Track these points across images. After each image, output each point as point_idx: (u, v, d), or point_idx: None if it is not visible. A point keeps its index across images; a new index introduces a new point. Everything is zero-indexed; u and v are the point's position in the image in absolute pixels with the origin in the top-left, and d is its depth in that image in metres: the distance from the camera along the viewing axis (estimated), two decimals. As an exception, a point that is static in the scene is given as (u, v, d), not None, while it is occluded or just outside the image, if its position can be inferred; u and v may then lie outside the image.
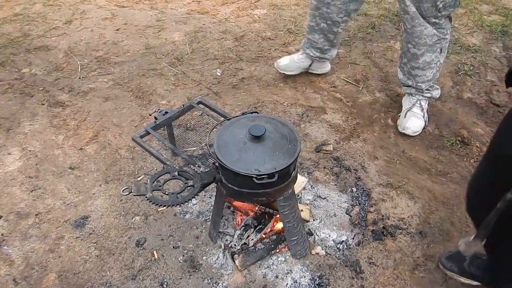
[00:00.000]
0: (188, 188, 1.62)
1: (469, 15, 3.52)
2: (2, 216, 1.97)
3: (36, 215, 1.98)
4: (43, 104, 2.64)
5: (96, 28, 3.35)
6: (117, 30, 3.34)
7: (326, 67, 2.80)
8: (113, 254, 1.81)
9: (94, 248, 1.84)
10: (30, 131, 2.44)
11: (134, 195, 1.57)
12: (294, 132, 1.57)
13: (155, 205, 1.55)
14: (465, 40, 3.18)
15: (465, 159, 2.23)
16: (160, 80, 2.84)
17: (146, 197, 1.57)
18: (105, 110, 2.59)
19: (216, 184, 1.72)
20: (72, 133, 2.43)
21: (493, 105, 2.56)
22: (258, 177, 1.42)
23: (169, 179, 1.65)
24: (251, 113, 1.71)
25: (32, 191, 2.09)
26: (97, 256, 1.81)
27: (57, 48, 3.12)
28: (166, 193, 1.58)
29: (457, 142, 2.31)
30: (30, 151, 2.31)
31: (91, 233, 1.90)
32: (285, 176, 1.53)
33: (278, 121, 1.62)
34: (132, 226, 1.92)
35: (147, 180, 1.69)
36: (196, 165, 2.13)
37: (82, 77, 2.86)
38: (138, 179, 2.15)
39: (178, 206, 1.72)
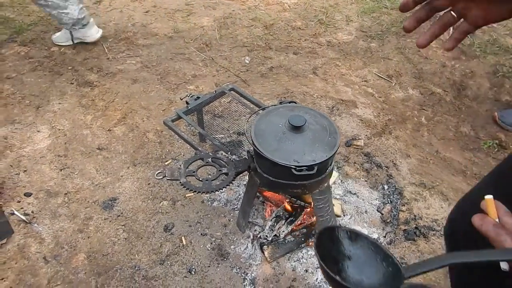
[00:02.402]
0: (222, 175, 1.60)
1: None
2: (32, 194, 1.97)
3: (65, 194, 1.98)
4: (72, 84, 2.63)
5: (125, 9, 3.33)
6: (146, 12, 3.31)
7: None
8: (141, 238, 1.81)
9: (122, 231, 1.83)
10: (59, 109, 2.44)
11: (168, 179, 1.55)
12: (333, 124, 1.53)
13: (189, 190, 1.53)
14: (504, 41, 3.09)
15: (500, 162, 2.16)
16: (188, 64, 2.81)
17: (180, 182, 1.55)
18: (133, 92, 2.57)
19: (248, 173, 1.69)
20: (101, 114, 2.42)
21: (531, 108, 2.49)
22: (297, 168, 1.39)
23: (203, 165, 1.63)
24: (289, 102, 1.68)
25: (61, 170, 2.09)
26: (126, 239, 1.80)
27: (86, 28, 3.11)
28: (200, 179, 1.56)
29: (494, 145, 2.25)
30: (59, 129, 2.31)
31: (119, 215, 1.90)
32: (323, 169, 1.50)
33: (317, 113, 1.58)
34: (160, 211, 1.91)
35: (180, 165, 1.67)
36: (228, 153, 2.10)
37: (111, 58, 2.85)
38: (166, 163, 2.13)
39: (211, 193, 1.70)
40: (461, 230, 1.06)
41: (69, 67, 2.77)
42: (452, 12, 0.70)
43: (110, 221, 1.87)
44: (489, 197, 0.60)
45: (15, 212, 1.88)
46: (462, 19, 0.71)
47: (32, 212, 1.90)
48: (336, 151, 1.48)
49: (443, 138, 2.29)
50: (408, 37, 3.10)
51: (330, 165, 1.56)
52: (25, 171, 2.08)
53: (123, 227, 1.85)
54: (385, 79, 2.70)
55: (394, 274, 0.62)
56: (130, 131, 2.30)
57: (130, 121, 2.37)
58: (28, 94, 2.54)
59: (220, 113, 2.41)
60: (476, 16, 0.69)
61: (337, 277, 0.61)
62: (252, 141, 1.46)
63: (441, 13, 0.74)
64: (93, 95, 2.55)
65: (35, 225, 1.86)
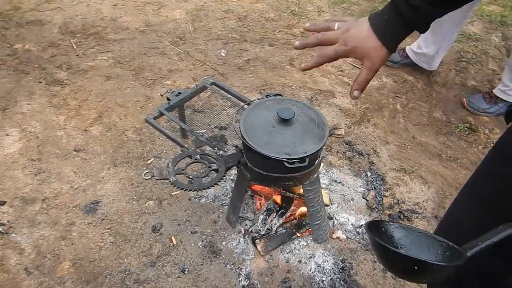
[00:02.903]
0: (212, 172, 1.58)
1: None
2: (6, 202, 1.88)
3: (43, 200, 1.90)
4: (40, 82, 2.51)
5: (92, 3, 3.19)
6: (115, 5, 3.19)
7: None
8: (129, 241, 1.76)
9: (108, 235, 1.78)
10: (29, 110, 2.33)
11: (157, 179, 1.52)
12: (321, 116, 1.54)
13: (180, 189, 1.51)
14: (467, 29, 3.20)
15: (473, 145, 2.26)
16: (163, 59, 2.75)
17: (170, 181, 1.52)
18: (108, 89, 2.49)
19: (237, 168, 1.68)
20: (74, 113, 2.32)
21: (498, 92, 2.60)
22: (290, 161, 1.39)
23: (191, 163, 1.61)
24: (275, 95, 1.67)
25: (36, 174, 2.00)
26: (112, 242, 1.75)
27: (51, 23, 2.96)
28: (190, 177, 1.53)
29: (465, 128, 2.34)
30: (30, 132, 2.20)
31: (103, 219, 1.84)
32: (313, 160, 1.51)
33: (304, 105, 1.59)
34: (146, 211, 1.87)
35: (168, 164, 1.63)
36: (216, 148, 2.08)
37: (80, 54, 2.73)
38: (148, 162, 2.08)
39: (203, 190, 1.67)
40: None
41: (36, 65, 2.64)
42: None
43: (94, 226, 1.81)
44: None
45: (-9, 222, 1.78)
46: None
47: (8, 221, 1.81)
48: (326, 141, 1.49)
49: (418, 124, 2.36)
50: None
51: (319, 156, 1.57)
52: (-3, 177, 1.98)
53: (109, 230, 1.80)
54: (359, 68, 2.73)
55: (452, 255, 0.63)
56: (107, 131, 2.23)
57: (106, 120, 2.29)
58: (-7, 96, 2.41)
59: (200, 108, 2.38)
60: (369, 63, 0.90)
61: (401, 251, 0.61)
62: (242, 136, 1.45)
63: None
64: (64, 94, 2.44)
65: (13, 235, 1.77)
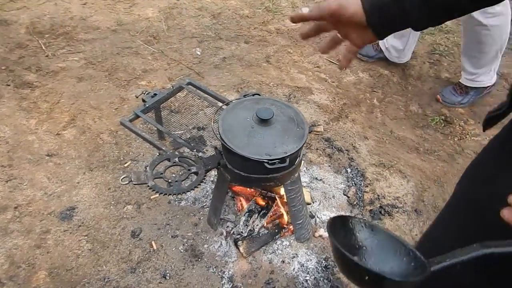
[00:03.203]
0: (191, 175, 1.55)
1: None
2: (-24, 211, 1.80)
3: (15, 208, 1.82)
4: (8, 85, 2.41)
5: (60, 1, 3.08)
6: (84, 4, 3.09)
7: None
8: (108, 247, 1.71)
9: (85, 242, 1.73)
10: (-3, 115, 2.23)
11: (135, 184, 1.48)
12: (300, 114, 1.53)
13: (160, 194, 1.47)
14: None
15: (449, 137, 2.30)
16: (137, 59, 2.68)
17: (148, 185, 1.48)
18: (80, 91, 2.41)
19: (217, 170, 1.65)
20: (46, 117, 2.24)
21: (471, 85, 2.66)
22: (270, 162, 1.38)
23: (170, 166, 1.57)
24: (253, 95, 1.65)
25: (7, 181, 1.92)
26: (90, 250, 1.70)
27: (18, 23, 2.85)
28: (169, 180, 1.50)
29: (441, 121, 2.38)
30: (-1, 137, 2.12)
31: (80, 225, 1.78)
32: (294, 160, 1.50)
33: (283, 104, 1.57)
34: (124, 216, 1.82)
35: (146, 168, 1.59)
36: (194, 150, 2.04)
37: (50, 55, 2.64)
38: (125, 165, 2.03)
39: (183, 194, 1.64)
40: None
41: (3, 67, 2.53)
42: (338, 34, 0.88)
43: (70, 233, 1.76)
44: None
45: (-40, 233, 1.70)
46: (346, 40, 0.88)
47: (-20, 231, 1.74)
48: (306, 140, 1.48)
49: (395, 118, 2.39)
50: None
51: (300, 155, 1.56)
52: (-35, 186, 1.89)
53: (86, 237, 1.75)
54: (336, 64, 2.75)
55: (416, 268, 0.59)
56: (81, 134, 2.16)
57: (80, 123, 2.22)
58: (-42, 100, 2.30)
59: (177, 109, 2.33)
60: (354, 39, 0.85)
61: (355, 258, 0.57)
62: (221, 138, 1.42)
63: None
64: (34, 97, 2.35)
65: (-15, 245, 1.70)
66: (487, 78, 2.41)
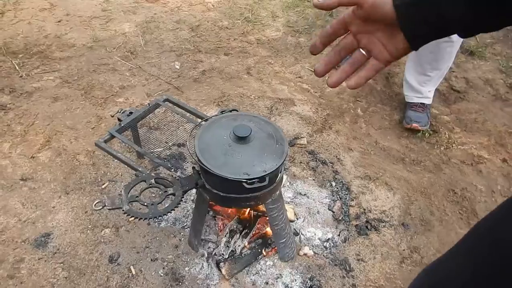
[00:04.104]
0: (169, 196, 1.49)
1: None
2: None
3: (-13, 237, 1.74)
4: (-19, 108, 2.34)
5: (34, 20, 3.02)
6: (59, 22, 3.03)
7: None
8: (84, 274, 1.64)
9: (61, 269, 1.65)
10: (-32, 139, 2.15)
11: (109, 209, 1.42)
12: (279, 130, 1.49)
13: (135, 218, 1.41)
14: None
15: (435, 147, 2.27)
16: (114, 75, 2.62)
17: (123, 210, 1.42)
18: (55, 111, 2.34)
19: (196, 190, 1.60)
20: (20, 140, 2.16)
21: (454, 91, 2.64)
22: (249, 181, 1.33)
23: (146, 188, 1.51)
24: (230, 111, 1.60)
25: (-21, 209, 1.84)
26: (66, 277, 1.63)
27: (-10, 43, 2.78)
28: (145, 204, 1.44)
29: (426, 130, 2.35)
30: (-30, 163, 2.03)
31: (55, 252, 1.70)
32: (274, 177, 1.45)
33: (261, 119, 1.53)
34: (102, 240, 1.75)
35: (121, 191, 1.53)
36: (172, 170, 1.99)
37: (24, 76, 2.57)
38: (103, 186, 1.96)
39: (159, 217, 1.58)
40: None
41: (-25, 90, 2.45)
42: (361, 50, 0.69)
43: (45, 261, 1.68)
44: None
45: None
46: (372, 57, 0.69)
47: (-51, 263, 1.65)
48: (286, 158, 1.44)
49: (380, 127, 2.36)
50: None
51: (280, 172, 1.51)
52: None
53: (62, 264, 1.67)
54: (318, 74, 2.71)
55: None
56: (57, 156, 2.09)
57: (55, 144, 2.15)
58: None
59: (156, 125, 2.27)
60: (381, 52, 0.67)
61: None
62: (198, 158, 1.37)
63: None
64: (8, 120, 2.27)
65: (-45, 278, 1.61)
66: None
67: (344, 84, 0.72)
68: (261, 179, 1.34)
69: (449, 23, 0.60)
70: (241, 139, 1.39)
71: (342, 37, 0.71)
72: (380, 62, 0.69)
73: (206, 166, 1.34)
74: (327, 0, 0.69)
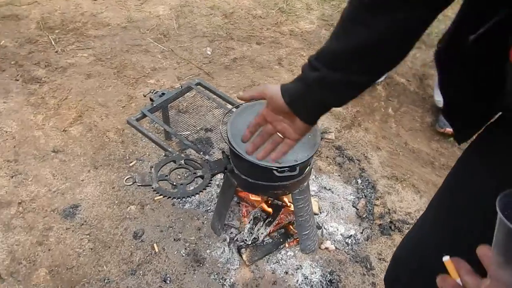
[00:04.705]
0: (197, 178, 1.51)
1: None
2: (-21, 205, 1.77)
3: (19, 203, 1.80)
4: (17, 80, 2.39)
5: (72, -4, 3.07)
6: (95, 0, 3.07)
7: None
8: (109, 247, 1.68)
9: (87, 241, 1.69)
10: (5, 109, 2.21)
11: (139, 185, 1.45)
12: (311, 122, 1.48)
13: (164, 196, 1.43)
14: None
15: (464, 151, 2.23)
16: (146, 57, 2.65)
17: (152, 187, 1.44)
18: (88, 88, 2.38)
19: (224, 174, 1.61)
20: (53, 113, 2.22)
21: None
22: (279, 169, 1.33)
23: (176, 168, 1.53)
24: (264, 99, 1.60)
25: (12, 176, 1.89)
26: (92, 249, 1.67)
27: (29, 18, 2.83)
28: (174, 183, 1.46)
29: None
30: (6, 132, 2.09)
31: (82, 224, 1.75)
32: (304, 168, 1.45)
33: (294, 110, 1.52)
34: (127, 217, 1.79)
35: (151, 169, 1.56)
36: (201, 153, 2.01)
37: (59, 51, 2.62)
38: (130, 164, 2.00)
39: (187, 198, 1.60)
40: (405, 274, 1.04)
41: (12, 62, 2.51)
42: (278, 134, 0.95)
43: (72, 231, 1.72)
44: (446, 259, 0.55)
45: (-39, 227, 1.68)
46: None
47: (-19, 226, 1.71)
48: (317, 149, 1.43)
49: (410, 129, 2.32)
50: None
51: (310, 164, 1.51)
52: (-31, 179, 1.87)
53: (88, 236, 1.71)
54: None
55: None
56: (88, 131, 2.13)
57: (87, 120, 2.19)
58: (-34, 92, 2.28)
59: (185, 109, 2.29)
60: (291, 134, 0.92)
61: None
62: (230, 142, 1.38)
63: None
64: (42, 93, 2.33)
65: (-14, 240, 1.67)
66: None
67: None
68: (292, 168, 1.35)
69: (327, 105, 0.86)
70: (274, 127, 1.39)
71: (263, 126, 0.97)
72: (291, 140, 0.94)
73: (237, 151, 1.35)
74: (245, 95, 0.99)
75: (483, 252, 0.51)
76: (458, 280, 0.53)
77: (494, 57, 0.69)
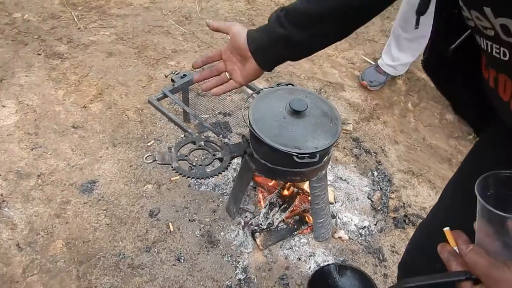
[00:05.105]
0: (216, 160, 1.51)
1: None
2: (0, 175, 1.80)
3: (39, 176, 1.83)
4: (39, 55, 2.42)
5: (96, -26, 3.07)
6: (120, -21, 3.07)
7: None
8: (125, 224, 1.70)
9: (104, 216, 1.72)
10: (26, 83, 2.23)
11: (159, 163, 1.45)
12: (334, 110, 1.48)
13: (182, 176, 1.44)
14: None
15: (483, 150, 2.20)
16: (167, 39, 2.65)
17: (172, 167, 1.45)
18: (109, 66, 2.40)
19: (242, 158, 1.62)
20: (74, 89, 2.24)
21: None
22: (299, 155, 1.33)
23: (195, 149, 1.54)
24: (286, 85, 1.60)
25: (32, 149, 1.92)
26: (108, 224, 1.69)
27: (53, -7, 2.85)
28: (193, 164, 1.47)
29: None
30: (27, 105, 2.12)
31: (99, 199, 1.77)
32: (323, 156, 1.45)
33: (317, 97, 1.52)
34: (144, 195, 1.81)
35: (171, 149, 1.57)
36: (220, 135, 2.01)
37: (82, 28, 2.63)
38: (148, 144, 2.01)
39: (205, 179, 1.61)
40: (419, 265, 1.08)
41: (35, 36, 2.53)
42: (226, 73, 1.07)
43: (90, 206, 1.75)
44: (446, 229, 0.63)
45: (-18, 195, 1.71)
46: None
47: (1, 195, 1.74)
48: (338, 138, 1.43)
49: (429, 125, 2.30)
50: (392, 20, 3.07)
51: (329, 152, 1.51)
52: (-10, 149, 1.90)
53: (105, 212, 1.74)
54: (370, 62, 2.66)
55: None
56: (107, 109, 2.15)
57: (107, 97, 2.21)
58: (-10, 65, 2.31)
59: (204, 92, 2.29)
60: (238, 77, 1.05)
61: None
62: (251, 126, 1.38)
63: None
64: (64, 68, 2.35)
65: (6, 209, 1.70)
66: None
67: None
68: (312, 155, 1.34)
69: (287, 59, 1.00)
70: (297, 113, 1.39)
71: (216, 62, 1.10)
72: (236, 83, 1.07)
73: (259, 135, 1.35)
74: (213, 24, 1.07)
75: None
76: (456, 248, 0.60)
77: (474, 67, 0.73)
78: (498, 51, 0.58)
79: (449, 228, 0.63)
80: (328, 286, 0.74)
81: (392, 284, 1.61)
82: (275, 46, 0.94)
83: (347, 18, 0.90)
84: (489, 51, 0.60)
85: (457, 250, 0.60)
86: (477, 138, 0.96)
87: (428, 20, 0.76)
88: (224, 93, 1.13)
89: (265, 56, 0.98)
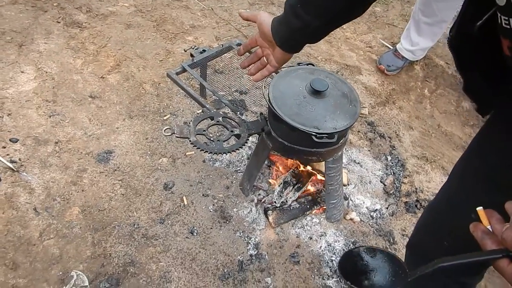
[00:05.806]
0: (233, 136, 1.52)
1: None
2: (18, 140, 1.83)
3: (56, 143, 1.85)
4: (59, 22, 2.41)
5: None
6: (140, -50, 3.03)
7: None
8: (140, 195, 1.73)
9: (119, 186, 1.75)
10: (45, 50, 2.24)
11: (177, 136, 1.46)
12: (353, 91, 1.47)
13: (200, 150, 1.46)
14: None
15: (498, 141, 2.19)
16: (186, 13, 2.63)
17: (190, 140, 1.46)
18: (127, 38, 2.39)
19: (259, 136, 1.62)
20: (92, 59, 2.24)
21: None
22: (318, 135, 1.33)
23: (213, 125, 1.55)
24: (307, 64, 1.59)
25: (50, 116, 1.94)
26: (123, 195, 1.72)
27: (73, -39, 2.82)
28: (211, 139, 1.48)
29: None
30: (46, 72, 2.13)
31: (115, 170, 1.80)
32: (341, 137, 1.45)
33: (337, 78, 1.51)
34: (159, 168, 1.83)
35: (189, 123, 1.58)
36: (238, 112, 2.02)
37: (101, -2, 2.62)
38: (164, 118, 2.02)
39: (223, 154, 1.63)
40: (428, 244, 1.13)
41: (55, 4, 2.53)
42: (264, 58, 1.22)
43: (106, 175, 1.78)
44: (479, 208, 0.64)
45: (1, 159, 1.74)
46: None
47: (20, 159, 1.77)
48: (356, 119, 1.43)
49: (445, 111, 2.29)
50: (412, 4, 3.02)
51: (346, 134, 1.51)
52: (9, 114, 1.92)
53: (120, 182, 1.76)
54: (389, 47, 2.63)
55: (402, 276, 0.73)
56: (125, 81, 2.16)
57: (124, 69, 2.21)
58: (9, 30, 2.31)
59: (221, 69, 2.29)
60: (272, 61, 1.20)
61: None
62: (271, 104, 1.38)
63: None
64: (82, 38, 2.35)
65: (24, 173, 1.73)
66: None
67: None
68: (330, 135, 1.34)
69: (307, 43, 1.14)
70: (317, 93, 1.39)
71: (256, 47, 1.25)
72: (272, 67, 1.22)
73: (278, 113, 1.35)
74: (244, 14, 1.23)
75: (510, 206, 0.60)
76: (489, 227, 0.62)
77: (495, 44, 0.76)
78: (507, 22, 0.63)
79: (482, 207, 0.64)
80: (358, 268, 0.77)
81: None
82: (295, 36, 1.08)
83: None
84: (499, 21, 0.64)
85: (490, 229, 0.60)
86: (486, 117, 0.99)
87: (449, 4, 0.78)
88: (264, 78, 1.28)
89: (289, 45, 1.13)
